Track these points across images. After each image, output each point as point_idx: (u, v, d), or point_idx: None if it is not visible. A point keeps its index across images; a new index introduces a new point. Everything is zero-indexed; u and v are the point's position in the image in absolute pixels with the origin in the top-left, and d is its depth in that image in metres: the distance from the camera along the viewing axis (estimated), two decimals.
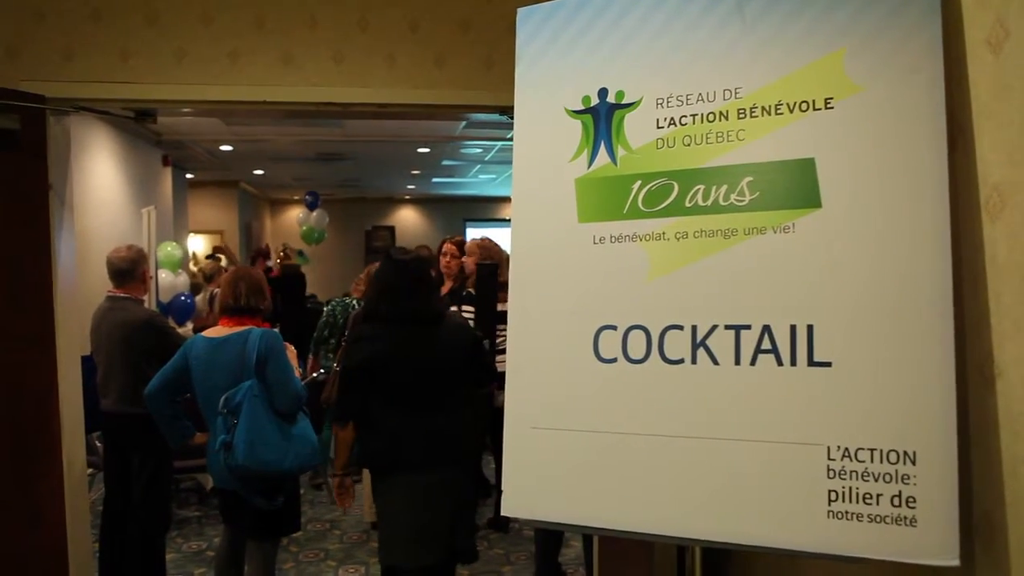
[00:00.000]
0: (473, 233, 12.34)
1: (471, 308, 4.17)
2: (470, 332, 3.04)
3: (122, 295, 3.49)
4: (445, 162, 10.89)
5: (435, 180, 12.94)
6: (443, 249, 4.82)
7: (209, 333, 3.01)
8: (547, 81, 1.87)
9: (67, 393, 3.20)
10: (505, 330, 1.96)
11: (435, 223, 15.41)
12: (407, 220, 15.76)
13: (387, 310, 2.80)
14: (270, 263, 10.51)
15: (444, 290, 4.61)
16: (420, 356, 2.76)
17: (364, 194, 14.80)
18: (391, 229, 15.46)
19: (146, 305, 3.84)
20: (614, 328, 1.72)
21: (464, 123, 7.69)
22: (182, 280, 7.14)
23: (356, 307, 5.08)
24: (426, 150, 9.81)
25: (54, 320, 3.14)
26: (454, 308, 4.21)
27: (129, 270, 3.50)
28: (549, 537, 3.71)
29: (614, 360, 1.71)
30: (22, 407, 3.03)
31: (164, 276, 6.83)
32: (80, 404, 3.35)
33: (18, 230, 3.03)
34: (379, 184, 13.59)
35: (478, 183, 13.21)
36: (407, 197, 15.53)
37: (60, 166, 3.22)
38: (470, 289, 4.35)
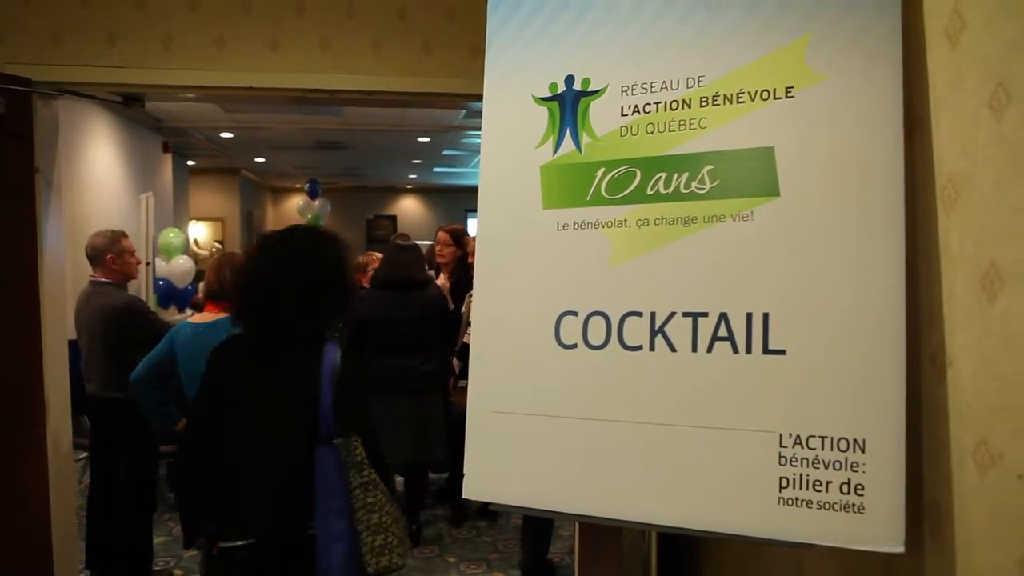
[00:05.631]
0: (475, 223, 12.29)
1: None
2: (442, 300, 4.27)
3: (103, 280, 3.49)
4: (446, 151, 10.87)
5: (436, 170, 12.91)
6: (437, 237, 4.73)
7: (195, 319, 3.02)
8: (516, 68, 1.88)
9: (53, 375, 3.21)
10: None
11: (436, 213, 15.39)
12: (409, 210, 15.74)
13: (385, 275, 4.17)
14: None
15: (440, 281, 4.57)
16: (405, 309, 4.03)
17: (366, 183, 14.79)
18: (393, 218, 15.43)
19: (136, 291, 3.84)
20: (575, 314, 1.73)
21: (464, 112, 7.65)
22: (192, 267, 7.09)
23: None
24: (427, 139, 9.79)
25: (40, 302, 3.14)
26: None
27: (92, 256, 3.49)
28: (537, 527, 3.69)
29: (574, 346, 1.72)
30: (6, 389, 3.04)
31: (182, 262, 6.80)
32: (67, 387, 3.35)
33: (4, 212, 3.04)
34: (380, 173, 13.58)
35: (479, 173, 13.13)
36: (409, 187, 15.51)
37: (47, 150, 3.23)
38: None
